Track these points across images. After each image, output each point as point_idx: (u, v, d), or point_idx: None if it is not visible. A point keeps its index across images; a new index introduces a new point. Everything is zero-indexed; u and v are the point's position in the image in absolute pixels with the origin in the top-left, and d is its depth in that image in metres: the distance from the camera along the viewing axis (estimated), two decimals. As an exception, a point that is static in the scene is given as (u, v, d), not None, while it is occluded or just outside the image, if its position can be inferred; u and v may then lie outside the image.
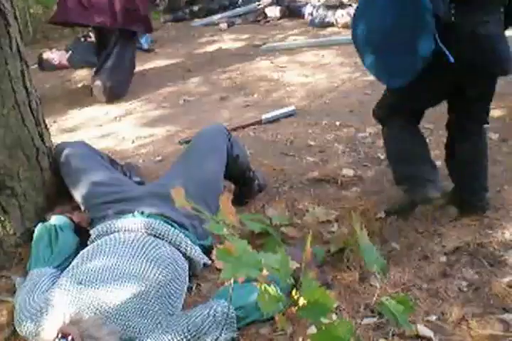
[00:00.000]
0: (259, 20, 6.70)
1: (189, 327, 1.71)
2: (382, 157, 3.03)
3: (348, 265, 2.16)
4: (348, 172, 2.92)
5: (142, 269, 1.83)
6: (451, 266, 2.18)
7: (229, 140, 2.41)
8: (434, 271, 2.15)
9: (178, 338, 1.69)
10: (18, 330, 1.84)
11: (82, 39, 5.57)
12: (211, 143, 2.37)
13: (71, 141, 2.78)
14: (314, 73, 4.74)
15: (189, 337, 1.69)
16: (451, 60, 2.05)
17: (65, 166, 2.41)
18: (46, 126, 2.56)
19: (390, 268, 2.13)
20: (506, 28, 2.26)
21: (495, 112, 3.54)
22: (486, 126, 2.46)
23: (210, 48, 5.74)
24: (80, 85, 4.95)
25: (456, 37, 2.12)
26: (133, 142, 3.65)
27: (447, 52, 2.05)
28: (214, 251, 1.20)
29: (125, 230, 2.02)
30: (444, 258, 2.23)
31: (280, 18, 6.84)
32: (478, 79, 2.28)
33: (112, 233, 2.03)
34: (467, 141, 2.43)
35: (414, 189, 2.37)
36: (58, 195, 2.45)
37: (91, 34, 5.49)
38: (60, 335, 1.56)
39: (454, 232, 2.38)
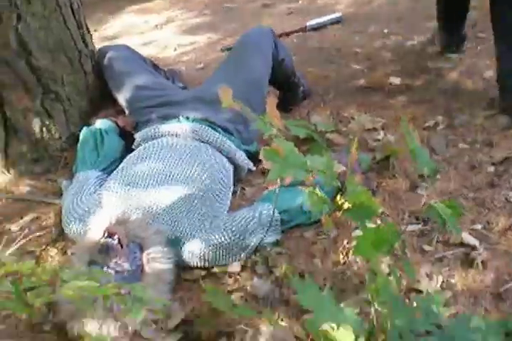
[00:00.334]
0: None
1: (233, 229, 1.73)
2: (431, 66, 2.92)
3: (393, 173, 2.12)
4: (395, 80, 2.81)
5: (189, 172, 1.84)
6: (499, 176, 2.12)
7: (275, 43, 2.33)
8: (482, 181, 2.10)
9: (223, 239, 1.71)
10: (65, 231, 1.89)
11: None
12: (256, 44, 2.29)
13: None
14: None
15: (234, 238, 1.71)
16: None
17: (108, 69, 2.38)
18: (88, 28, 2.51)
19: (437, 177, 2.09)
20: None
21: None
22: None
23: None
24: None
25: None
26: (175, 50, 3.59)
27: None
28: (261, 153, 1.17)
29: (171, 135, 2.02)
30: (491, 169, 2.16)
31: None
32: None
33: (158, 138, 2.02)
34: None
35: None
36: (102, 99, 2.44)
37: None
38: (106, 234, 1.59)
39: (504, 143, 2.30)
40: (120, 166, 1.96)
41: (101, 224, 1.67)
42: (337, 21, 3.62)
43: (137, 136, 2.11)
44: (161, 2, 4.58)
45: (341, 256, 1.76)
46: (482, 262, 1.71)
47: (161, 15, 4.26)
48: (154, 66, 2.60)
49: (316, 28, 3.55)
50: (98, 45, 3.77)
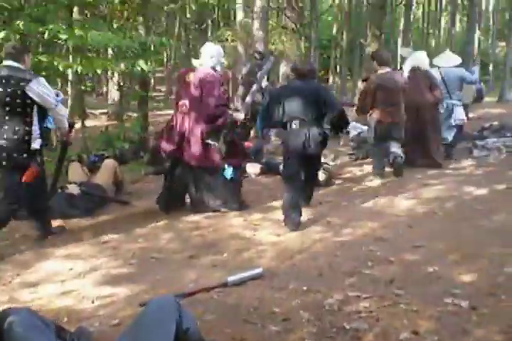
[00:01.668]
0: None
1: None
2: (348, 327, 2.92)
3: None
4: (310, 341, 2.78)
5: None
6: None
7: (179, 312, 2.31)
8: None
9: None
10: None
11: (60, 190, 5.64)
12: (158, 317, 2.27)
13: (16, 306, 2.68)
14: (287, 232, 4.76)
15: None
16: None
17: (7, 333, 2.28)
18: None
19: None
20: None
21: (465, 277, 3.53)
22: None
23: (186, 202, 5.81)
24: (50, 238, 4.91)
25: None
26: (93, 302, 3.52)
27: None
28: None
29: None
30: None
31: (259, 174, 7.07)
32: None
33: None
34: None
35: None
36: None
37: (68, 186, 5.60)
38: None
39: None
40: None
41: None
42: (258, 276, 3.70)
43: None
44: (89, 248, 4.65)
45: None
46: None
47: (86, 263, 4.28)
48: (59, 329, 2.50)
49: (237, 284, 3.59)
50: (17, 292, 3.75)
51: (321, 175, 6.38)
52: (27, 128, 4.39)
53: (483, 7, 35.91)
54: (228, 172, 5.27)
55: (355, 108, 7.57)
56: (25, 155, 4.41)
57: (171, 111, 6.27)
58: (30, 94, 4.34)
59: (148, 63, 7.06)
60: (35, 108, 4.43)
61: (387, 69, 6.80)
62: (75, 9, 10.87)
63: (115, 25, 10.41)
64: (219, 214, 5.33)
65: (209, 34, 25.68)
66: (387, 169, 7.04)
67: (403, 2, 23.88)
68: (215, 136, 5.16)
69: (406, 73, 7.15)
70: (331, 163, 7.52)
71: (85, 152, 7.77)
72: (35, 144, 4.49)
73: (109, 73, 10.17)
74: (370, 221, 4.97)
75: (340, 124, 5.34)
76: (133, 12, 9.21)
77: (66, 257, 4.44)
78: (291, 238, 4.60)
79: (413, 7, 30.69)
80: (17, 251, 4.66)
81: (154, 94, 23.17)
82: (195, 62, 5.47)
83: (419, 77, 7.15)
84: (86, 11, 12.09)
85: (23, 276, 4.12)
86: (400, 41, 27.95)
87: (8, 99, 4.31)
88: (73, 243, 4.77)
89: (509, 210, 5.24)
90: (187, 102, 5.21)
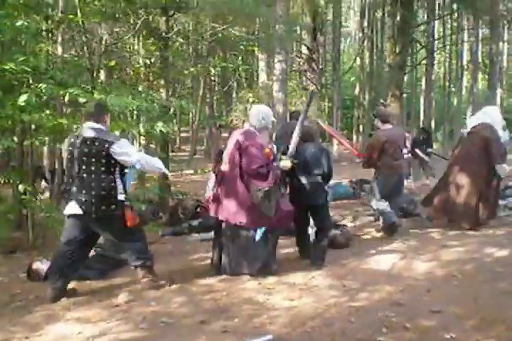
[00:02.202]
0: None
1: None
2: None
3: None
4: None
5: None
6: None
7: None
8: None
9: None
10: None
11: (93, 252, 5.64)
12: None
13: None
14: (301, 296, 4.66)
15: None
16: None
17: None
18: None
19: None
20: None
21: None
22: None
23: (201, 265, 5.76)
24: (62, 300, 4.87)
25: None
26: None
27: None
28: None
29: None
30: None
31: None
32: None
33: None
34: None
35: None
36: None
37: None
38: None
39: None
40: None
41: None
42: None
43: None
44: (100, 311, 4.58)
45: None
46: None
47: (96, 326, 4.20)
48: None
49: None
50: None
51: (339, 237, 6.30)
52: (112, 184, 4.75)
53: (505, 64, 36.35)
54: (259, 233, 5.18)
55: (361, 162, 7.59)
56: (113, 207, 4.75)
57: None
58: (113, 155, 4.69)
59: (169, 125, 7.18)
60: (118, 166, 4.79)
61: (389, 126, 7.08)
62: (102, 72, 11.27)
63: (141, 87, 10.74)
64: (233, 277, 5.25)
65: (234, 95, 26.30)
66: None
67: (424, 61, 24.24)
68: (266, 196, 5.05)
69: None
70: (350, 225, 7.43)
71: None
72: (121, 197, 4.82)
73: (130, 134, 10.36)
74: (387, 284, 4.86)
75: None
76: (154, 75, 9.46)
77: (76, 320, 4.37)
78: (306, 303, 4.48)
79: (434, 66, 31.16)
80: (28, 312, 4.62)
81: (180, 153, 23.54)
82: (246, 124, 5.45)
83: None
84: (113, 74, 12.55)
85: (31, 339, 4.07)
86: (421, 100, 28.26)
87: (93, 159, 4.67)
88: (85, 305, 4.71)
89: (531, 272, 5.11)
90: (228, 161, 5.22)
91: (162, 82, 9.34)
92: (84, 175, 4.71)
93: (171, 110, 11.27)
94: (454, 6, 19.08)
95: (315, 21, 17.13)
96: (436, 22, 27.20)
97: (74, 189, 4.78)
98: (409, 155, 11.96)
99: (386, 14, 21.33)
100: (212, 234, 6.80)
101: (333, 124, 19.17)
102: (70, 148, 4.81)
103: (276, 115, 9.16)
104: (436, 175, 13.03)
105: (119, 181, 4.82)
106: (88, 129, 4.77)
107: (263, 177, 5.06)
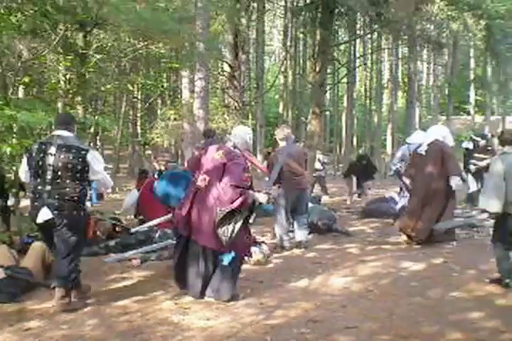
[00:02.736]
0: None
1: None
2: None
3: None
4: None
5: None
6: None
7: None
8: None
9: None
10: None
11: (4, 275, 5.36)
12: None
13: None
14: (217, 315, 4.58)
15: None
16: None
17: None
18: None
19: None
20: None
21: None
22: None
23: (117, 287, 5.60)
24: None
25: None
26: None
27: None
28: None
29: None
30: None
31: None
32: None
33: None
34: None
35: None
36: None
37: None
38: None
39: None
40: None
41: None
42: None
43: None
44: (10, 336, 4.29)
45: None
46: None
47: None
48: None
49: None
50: None
51: (258, 255, 6.29)
52: (84, 190, 4.90)
53: (424, 82, 37.84)
54: (227, 257, 4.98)
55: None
56: (82, 213, 4.90)
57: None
58: (87, 163, 4.83)
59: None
60: (88, 174, 4.89)
61: (284, 143, 7.47)
62: (21, 88, 10.93)
63: (59, 104, 10.44)
64: (148, 297, 5.12)
65: (158, 112, 26.02)
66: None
67: (345, 80, 24.86)
68: (230, 218, 4.85)
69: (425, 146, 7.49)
70: (269, 242, 7.44)
71: (18, 233, 7.48)
72: (88, 204, 5.12)
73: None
74: (304, 301, 4.87)
75: None
76: (72, 92, 9.23)
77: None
78: (221, 322, 4.41)
79: (356, 84, 32.05)
80: None
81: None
82: (229, 143, 5.30)
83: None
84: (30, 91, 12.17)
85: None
86: (343, 117, 28.98)
87: (69, 165, 4.76)
88: (-8, 331, 4.46)
89: (445, 285, 5.25)
90: (207, 177, 5.08)
91: (79, 98, 9.14)
92: (59, 181, 4.77)
93: (92, 128, 11.03)
94: (374, 26, 19.75)
95: (236, 39, 17.26)
96: (358, 41, 28.02)
97: (45, 195, 4.78)
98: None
99: (307, 33, 21.77)
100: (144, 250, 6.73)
101: (256, 141, 19.29)
102: (42, 155, 4.80)
103: (196, 132, 9.14)
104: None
105: (88, 188, 5.06)
106: (62, 137, 4.87)
107: (233, 197, 4.89)
